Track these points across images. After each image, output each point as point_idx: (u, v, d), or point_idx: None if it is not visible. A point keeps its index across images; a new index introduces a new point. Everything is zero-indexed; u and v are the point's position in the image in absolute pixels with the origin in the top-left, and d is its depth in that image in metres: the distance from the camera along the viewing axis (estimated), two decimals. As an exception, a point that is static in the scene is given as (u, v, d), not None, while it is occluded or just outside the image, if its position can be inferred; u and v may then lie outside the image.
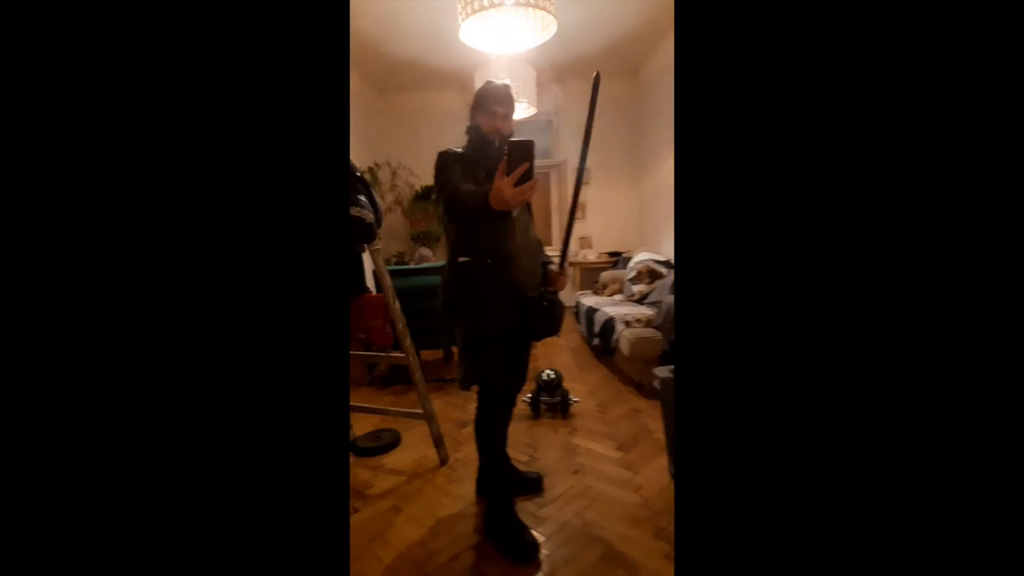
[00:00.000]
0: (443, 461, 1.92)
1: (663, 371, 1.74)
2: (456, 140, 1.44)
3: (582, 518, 1.50)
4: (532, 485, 1.67)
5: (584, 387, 2.79)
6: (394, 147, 5.09)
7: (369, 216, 1.74)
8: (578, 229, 4.62)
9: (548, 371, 2.42)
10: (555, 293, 1.44)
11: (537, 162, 1.10)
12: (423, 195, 4.89)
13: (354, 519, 1.58)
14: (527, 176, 1.03)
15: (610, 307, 3.29)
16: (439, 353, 3.69)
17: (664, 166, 4.35)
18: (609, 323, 2.95)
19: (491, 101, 1.34)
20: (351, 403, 2.20)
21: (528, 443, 2.07)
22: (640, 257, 3.93)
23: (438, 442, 1.91)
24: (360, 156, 4.36)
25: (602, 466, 1.83)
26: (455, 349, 3.42)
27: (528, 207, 1.44)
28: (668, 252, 4.03)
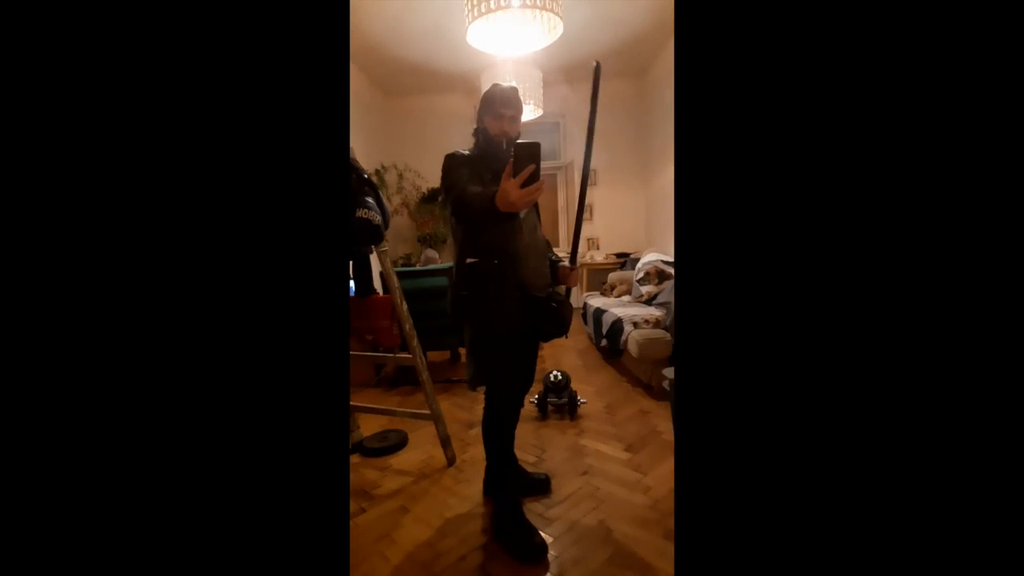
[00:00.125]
0: (450, 462, 1.92)
1: (672, 372, 1.73)
2: (463, 142, 1.44)
3: (591, 519, 1.49)
4: (540, 486, 1.66)
5: (592, 388, 2.78)
6: (401, 149, 5.12)
7: (376, 218, 1.74)
8: (585, 230, 4.64)
9: (555, 372, 2.42)
10: (563, 294, 1.44)
11: (544, 163, 1.10)
12: (430, 197, 4.91)
13: (361, 519, 1.58)
14: (534, 177, 1.03)
15: (618, 308, 3.27)
16: (446, 354, 3.70)
17: (671, 166, 4.33)
18: (617, 324, 2.93)
19: (498, 104, 1.34)
20: (359, 404, 2.21)
21: (536, 444, 2.06)
22: (648, 258, 3.91)
23: (445, 443, 1.91)
24: (367, 158, 4.38)
25: (610, 467, 1.82)
26: (462, 350, 3.45)
27: (535, 208, 1.44)
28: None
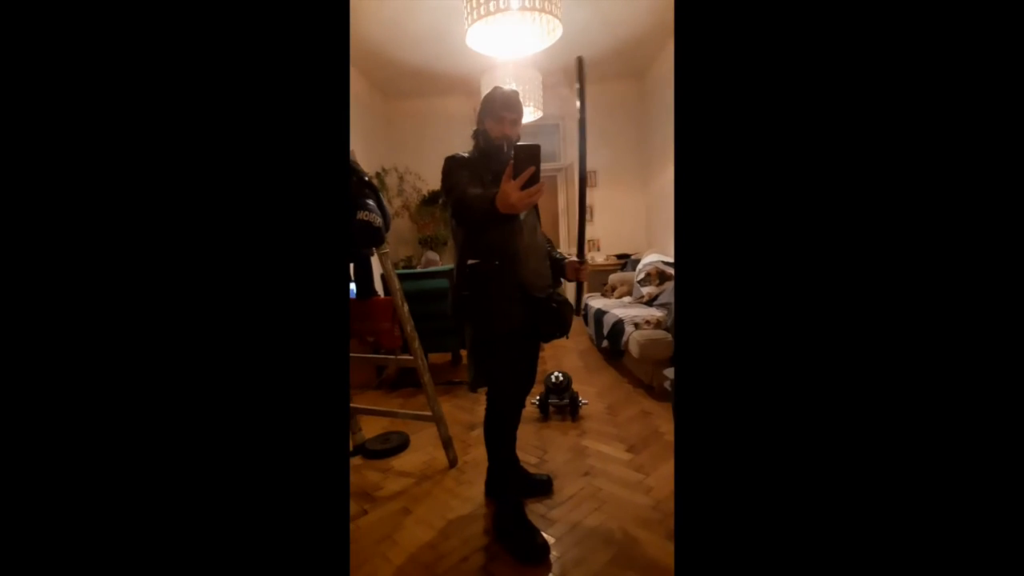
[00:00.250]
0: (452, 463, 1.92)
1: (674, 372, 1.73)
2: (463, 145, 1.45)
3: (593, 520, 1.49)
4: (542, 487, 1.66)
5: (593, 389, 2.78)
6: (401, 152, 5.13)
7: (377, 220, 1.75)
8: (586, 230, 4.65)
9: (557, 373, 2.42)
10: (563, 295, 1.44)
11: (544, 165, 1.11)
12: (430, 199, 4.92)
13: (364, 521, 1.58)
14: (534, 179, 1.04)
15: (619, 309, 3.27)
16: (447, 356, 3.70)
17: (671, 167, 4.33)
18: (618, 325, 2.93)
19: (499, 107, 1.35)
20: (360, 406, 2.21)
21: (537, 445, 2.06)
22: (649, 259, 3.92)
23: (447, 444, 1.92)
24: (368, 161, 4.39)
25: (612, 468, 1.81)
26: (463, 352, 3.45)
27: (535, 209, 1.45)
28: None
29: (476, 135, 1.41)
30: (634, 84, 5.10)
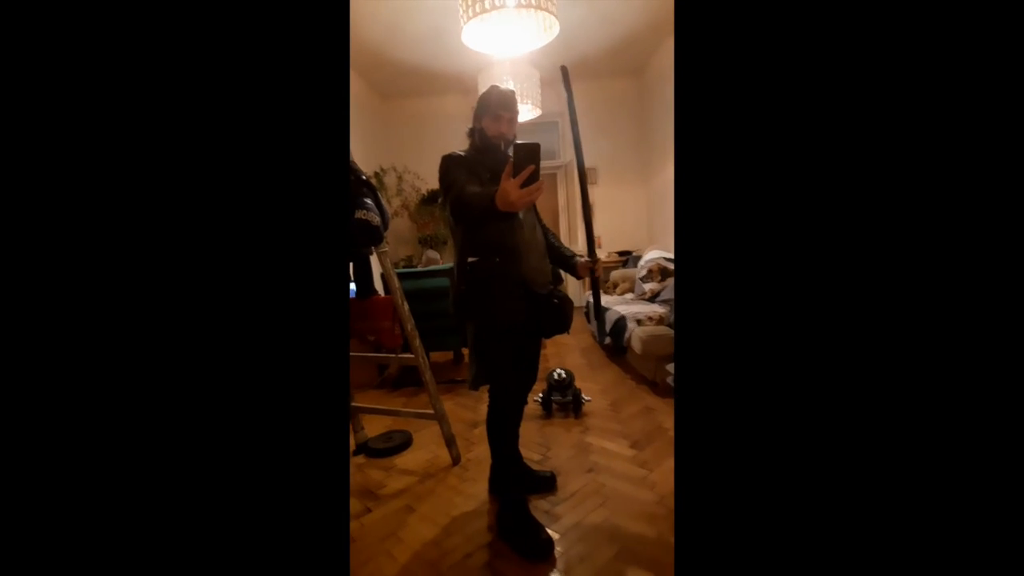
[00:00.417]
0: (455, 461, 1.92)
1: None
2: (461, 143, 1.45)
3: (597, 516, 1.49)
4: (545, 483, 1.66)
5: (596, 386, 2.78)
6: (399, 152, 5.13)
7: (375, 219, 1.75)
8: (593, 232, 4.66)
9: (559, 370, 2.41)
10: (564, 291, 1.45)
11: (543, 163, 1.11)
12: (429, 199, 4.92)
13: (367, 519, 1.58)
14: (533, 178, 1.04)
15: (621, 306, 3.27)
16: (449, 355, 3.70)
17: (671, 164, 4.32)
18: (621, 322, 2.93)
19: (498, 106, 1.35)
20: (363, 405, 2.21)
21: (540, 442, 2.06)
22: (651, 255, 3.91)
23: (450, 442, 1.91)
24: (366, 161, 4.40)
25: (616, 464, 1.81)
26: (465, 351, 3.44)
27: (534, 206, 1.45)
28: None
29: (472, 133, 1.41)
30: (633, 81, 5.09)
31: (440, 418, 1.89)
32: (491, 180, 1.30)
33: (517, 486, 1.48)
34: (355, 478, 1.87)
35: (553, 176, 5.43)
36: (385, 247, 1.84)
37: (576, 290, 5.21)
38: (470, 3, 2.03)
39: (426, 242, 4.89)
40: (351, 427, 2.10)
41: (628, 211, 5.28)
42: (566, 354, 3.65)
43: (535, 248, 1.40)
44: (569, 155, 5.28)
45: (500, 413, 1.43)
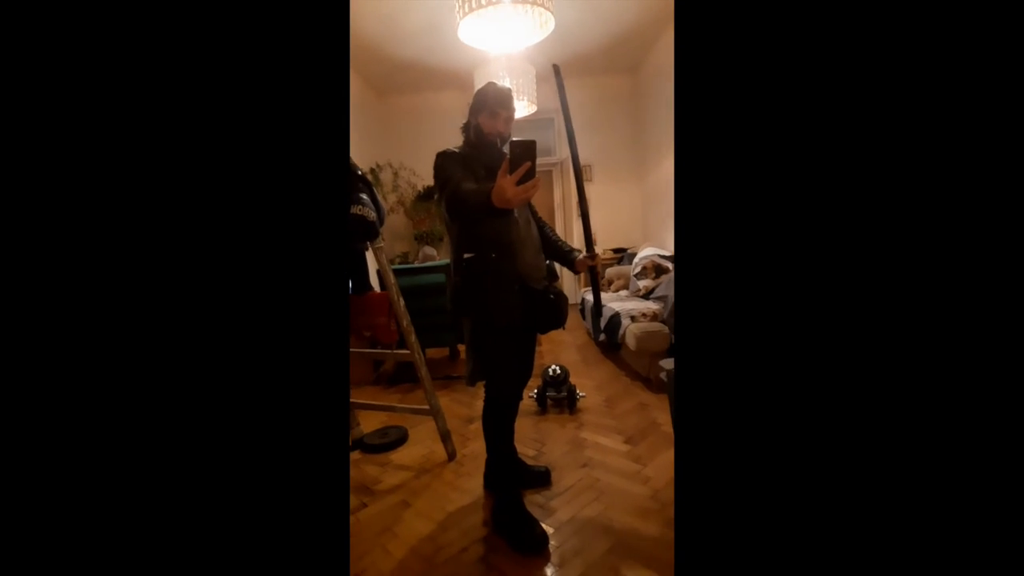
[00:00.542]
0: (451, 456, 1.92)
1: (670, 363, 1.74)
2: (457, 140, 1.45)
3: (591, 510, 1.50)
4: (540, 478, 1.67)
5: (591, 383, 2.79)
6: (396, 148, 5.11)
7: (371, 214, 1.75)
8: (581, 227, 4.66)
9: (554, 366, 2.42)
10: (560, 288, 1.45)
11: (539, 160, 1.11)
12: (425, 195, 4.90)
13: (363, 514, 1.58)
14: (529, 175, 1.04)
15: (616, 303, 3.28)
16: (445, 351, 3.70)
17: (666, 162, 4.34)
18: (615, 318, 2.94)
19: (495, 103, 1.35)
20: (359, 401, 2.21)
21: (535, 438, 2.07)
22: (645, 252, 3.92)
23: (445, 438, 1.92)
24: (362, 157, 4.38)
25: (610, 459, 1.82)
26: (461, 347, 3.45)
27: (529, 203, 1.45)
28: (673, 247, 4.01)
29: (467, 129, 1.41)
30: (628, 78, 5.09)
31: (436, 414, 1.90)
32: (486, 176, 1.30)
33: (513, 481, 1.49)
34: (351, 473, 1.88)
35: (549, 173, 5.43)
36: (381, 243, 1.84)
37: (571, 286, 5.22)
38: (466, -2, 2.03)
39: (422, 239, 4.88)
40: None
41: (623, 208, 5.29)
42: (561, 351, 3.66)
43: (530, 244, 1.41)
44: (565, 152, 5.28)
45: (496, 409, 1.44)
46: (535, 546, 1.32)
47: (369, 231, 1.75)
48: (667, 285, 3.24)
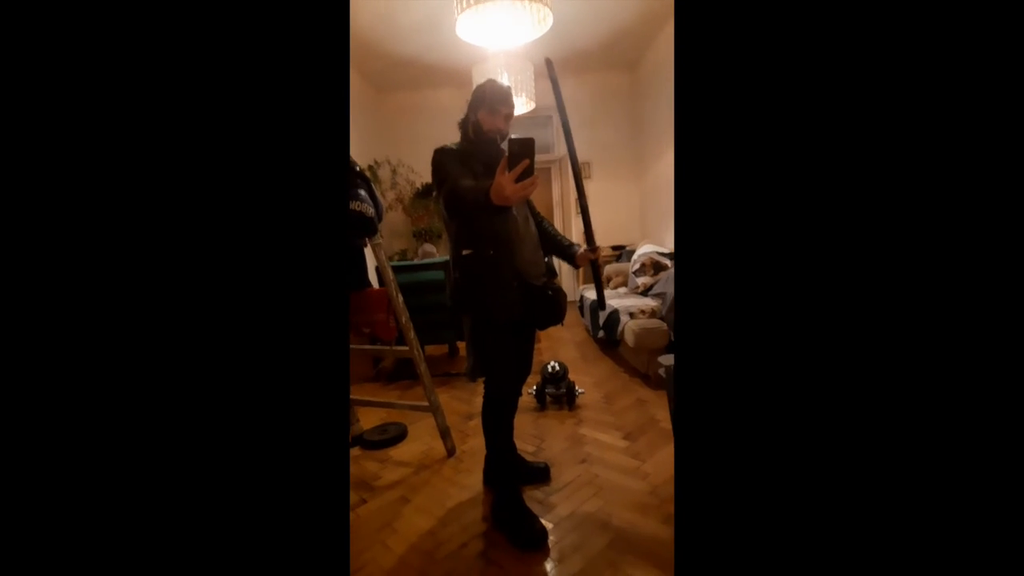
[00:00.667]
0: (450, 452, 1.93)
1: (668, 359, 1.74)
2: (456, 137, 1.44)
3: (590, 506, 1.50)
4: (539, 474, 1.68)
5: (590, 379, 2.79)
6: (394, 145, 5.10)
7: (369, 210, 1.74)
8: (580, 224, 4.65)
9: (553, 363, 2.43)
10: (558, 284, 1.45)
11: (538, 157, 1.11)
12: (424, 192, 4.89)
13: (363, 510, 1.59)
14: (528, 172, 1.04)
15: (614, 300, 3.29)
16: (444, 348, 3.71)
17: (665, 159, 4.33)
18: (614, 315, 2.94)
19: (496, 100, 1.35)
20: (358, 397, 2.21)
21: (535, 434, 2.07)
22: (644, 249, 3.93)
23: (444, 434, 1.92)
24: (360, 154, 4.37)
25: (609, 455, 1.83)
26: (460, 344, 3.45)
27: (528, 200, 1.45)
28: (671, 244, 4.02)
29: (465, 125, 1.41)
30: (627, 75, 5.08)
31: (435, 410, 1.90)
32: (484, 173, 1.30)
33: (512, 477, 1.49)
34: (351, 470, 1.88)
35: (548, 170, 5.43)
36: (379, 239, 1.84)
37: (570, 283, 5.22)
38: (464, -6, 2.02)
39: (421, 236, 4.87)
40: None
41: (622, 206, 5.29)
42: (560, 347, 3.66)
43: (528, 240, 1.41)
44: (564, 149, 5.26)
45: (495, 405, 1.44)
46: (534, 541, 1.33)
47: (368, 227, 1.75)
48: (665, 282, 3.24)
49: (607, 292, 3.85)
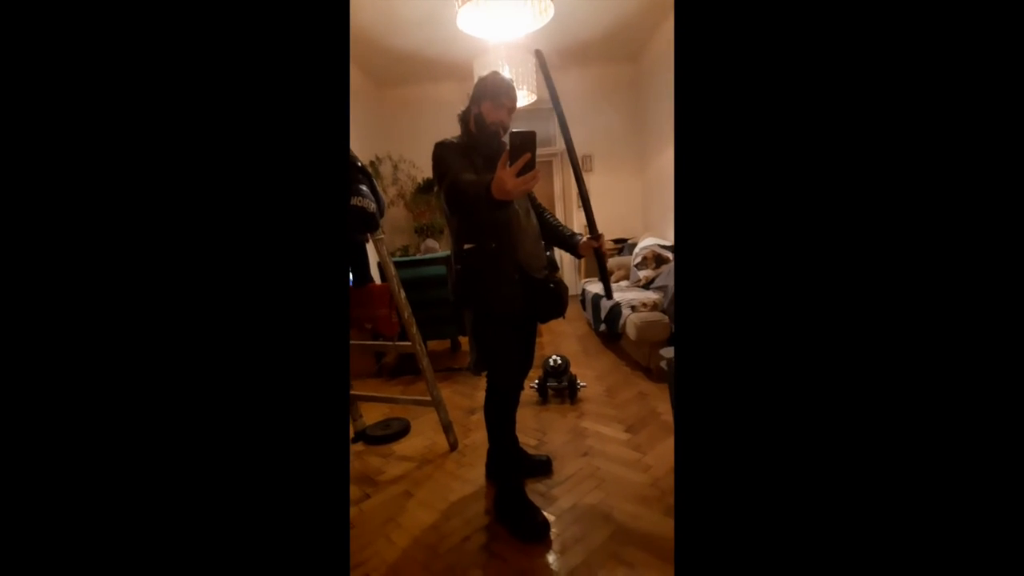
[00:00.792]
0: (452, 447, 1.94)
1: (670, 352, 1.74)
2: (457, 132, 1.43)
3: (592, 498, 1.51)
4: (541, 467, 1.69)
5: (592, 372, 2.80)
6: (395, 140, 5.09)
7: (371, 205, 1.74)
8: (582, 217, 4.65)
9: (555, 357, 2.43)
10: (560, 277, 1.45)
11: (539, 150, 1.10)
12: (425, 187, 4.89)
13: (366, 504, 1.60)
14: (529, 166, 1.04)
15: (616, 293, 3.28)
16: (446, 343, 3.72)
17: (667, 152, 4.31)
18: (615, 308, 2.94)
19: (499, 92, 1.34)
20: (361, 393, 2.22)
21: (537, 428, 2.08)
22: (645, 243, 3.91)
23: (447, 428, 1.93)
24: (361, 150, 4.36)
25: (611, 448, 1.84)
26: (463, 339, 3.46)
27: (529, 194, 1.45)
28: (673, 237, 4.01)
29: (466, 117, 1.39)
30: (628, 67, 5.04)
31: (437, 405, 1.91)
32: (485, 166, 1.30)
33: (514, 470, 1.50)
34: (354, 465, 1.90)
35: (549, 164, 5.41)
36: (381, 234, 1.84)
37: (571, 276, 5.22)
38: (464, -13, 2.01)
39: (423, 231, 4.87)
40: (349, 415, 2.11)
41: (623, 198, 5.27)
42: (562, 341, 3.67)
43: (530, 233, 1.41)
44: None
45: (497, 399, 1.45)
46: (537, 534, 1.34)
47: (369, 222, 1.75)
48: (667, 275, 3.24)
49: (609, 286, 3.84)
